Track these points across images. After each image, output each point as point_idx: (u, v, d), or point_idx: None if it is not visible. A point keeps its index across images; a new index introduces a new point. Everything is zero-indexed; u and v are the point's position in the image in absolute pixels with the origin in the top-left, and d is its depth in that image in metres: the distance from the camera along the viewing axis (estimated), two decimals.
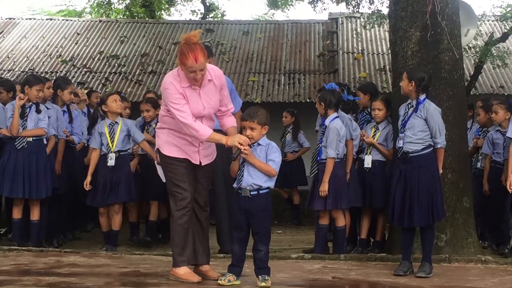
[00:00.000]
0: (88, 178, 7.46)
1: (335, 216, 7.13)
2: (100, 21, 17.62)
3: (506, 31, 12.73)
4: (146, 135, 8.01)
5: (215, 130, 5.41)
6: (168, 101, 5.23)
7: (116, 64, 15.05)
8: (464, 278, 5.91)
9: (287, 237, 9.71)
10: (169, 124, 5.34)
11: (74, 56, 15.36)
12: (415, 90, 6.04)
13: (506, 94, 12.88)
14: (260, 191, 5.18)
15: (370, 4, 12.28)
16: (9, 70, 14.63)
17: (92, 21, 17.85)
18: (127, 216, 8.33)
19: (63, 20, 17.94)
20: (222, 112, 5.49)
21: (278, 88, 14.02)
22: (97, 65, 15.03)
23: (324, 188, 6.93)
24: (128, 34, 16.54)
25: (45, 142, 7.64)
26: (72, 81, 11.69)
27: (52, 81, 8.36)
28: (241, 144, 5.07)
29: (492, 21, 14.90)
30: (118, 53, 15.52)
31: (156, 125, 8.05)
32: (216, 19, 22.06)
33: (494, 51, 11.80)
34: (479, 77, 12.98)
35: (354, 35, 15.51)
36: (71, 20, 17.86)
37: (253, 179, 5.16)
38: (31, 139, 7.48)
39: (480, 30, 13.16)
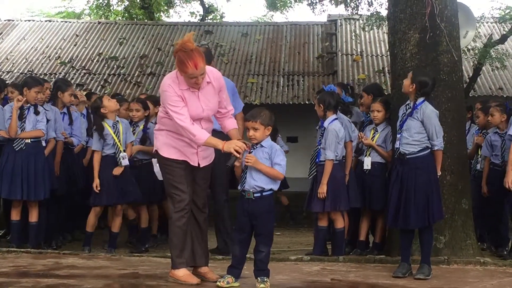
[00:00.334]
0: (97, 181, 7.38)
1: (334, 218, 7.12)
2: (99, 22, 17.63)
3: (505, 33, 12.74)
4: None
5: (215, 131, 5.40)
6: (167, 103, 5.23)
7: (115, 66, 15.06)
8: (463, 280, 5.91)
9: (286, 239, 9.71)
10: (168, 126, 5.34)
11: (73, 58, 15.37)
12: (415, 93, 6.04)
13: (505, 96, 12.88)
14: (264, 193, 5.18)
15: (369, 6, 12.28)
16: (8, 72, 14.65)
17: (91, 22, 17.86)
18: (125, 218, 8.30)
19: (62, 21, 17.96)
20: (222, 114, 5.49)
21: (277, 89, 14.03)
22: (96, 67, 15.04)
23: (323, 190, 6.93)
24: (127, 36, 16.55)
25: (43, 144, 7.64)
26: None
27: (52, 83, 8.36)
28: (237, 152, 5.07)
29: (491, 23, 14.92)
30: (117, 55, 15.53)
31: (143, 126, 8.14)
32: (215, 21, 22.07)
33: (493, 53, 11.81)
34: (478, 79, 12.99)
35: (353, 37, 15.52)
36: (70, 22, 17.87)
37: (256, 182, 5.16)
38: (29, 141, 7.48)
39: (479, 32, 13.17)
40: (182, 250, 5.33)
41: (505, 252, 7.81)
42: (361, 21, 14.35)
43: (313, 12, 15.41)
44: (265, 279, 5.15)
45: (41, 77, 11.71)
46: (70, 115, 8.24)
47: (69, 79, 11.97)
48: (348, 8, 12.79)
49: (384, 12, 11.89)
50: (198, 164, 5.37)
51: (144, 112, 8.23)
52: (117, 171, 7.45)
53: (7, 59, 15.29)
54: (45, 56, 15.49)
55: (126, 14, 22.06)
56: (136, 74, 14.71)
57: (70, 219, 8.63)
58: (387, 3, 7.63)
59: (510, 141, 7.29)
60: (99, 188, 7.37)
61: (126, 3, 21.78)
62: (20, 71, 14.67)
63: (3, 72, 14.53)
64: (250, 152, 5.20)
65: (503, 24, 13.15)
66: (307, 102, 13.26)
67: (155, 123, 8.11)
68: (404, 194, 5.96)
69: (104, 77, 14.57)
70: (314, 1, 12.99)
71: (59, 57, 15.42)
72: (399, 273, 5.94)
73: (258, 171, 5.14)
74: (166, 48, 15.78)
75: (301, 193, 10.01)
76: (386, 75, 13.49)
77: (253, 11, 48.92)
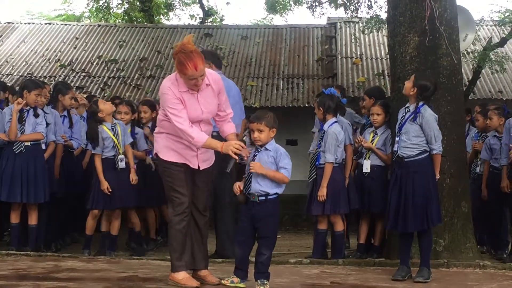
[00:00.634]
0: (104, 184, 7.36)
1: (334, 221, 7.13)
2: (99, 25, 17.64)
3: (504, 36, 12.74)
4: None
5: (214, 133, 5.39)
6: (166, 106, 5.23)
7: (115, 69, 15.07)
8: (463, 283, 5.91)
9: (285, 241, 9.71)
10: (167, 129, 5.33)
11: (73, 61, 15.38)
12: (415, 96, 6.04)
13: (504, 99, 12.89)
14: (268, 197, 5.18)
15: (369, 9, 12.29)
16: (7, 75, 14.65)
17: (91, 25, 17.87)
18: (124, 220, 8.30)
19: (61, 24, 17.96)
20: (221, 117, 5.48)
21: (277, 92, 14.03)
22: (95, 70, 15.05)
23: (323, 193, 6.93)
24: (126, 38, 16.56)
25: (43, 147, 7.64)
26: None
27: (52, 86, 8.36)
28: (235, 154, 5.06)
29: (491, 26, 14.94)
30: (116, 58, 15.54)
31: (130, 130, 8.09)
32: (214, 24, 22.10)
33: (492, 56, 11.81)
34: (478, 82, 12.99)
35: (353, 40, 15.52)
36: (70, 25, 17.87)
37: (261, 187, 5.16)
38: (29, 144, 7.48)
39: (479, 35, 13.18)
40: (182, 253, 5.32)
41: (505, 255, 7.82)
42: (360, 24, 14.35)
43: (312, 15, 15.38)
44: (265, 282, 5.15)
45: (41, 80, 11.70)
46: (71, 118, 8.25)
47: (68, 82, 11.96)
48: (347, 11, 12.80)
49: (383, 15, 11.91)
50: (198, 166, 5.36)
51: (132, 115, 8.14)
52: (133, 178, 7.51)
53: (7, 61, 15.30)
54: (45, 59, 15.49)
55: (126, 17, 22.08)
56: (135, 77, 14.71)
57: (70, 221, 8.63)
58: (386, 6, 7.64)
59: (506, 146, 7.32)
60: (110, 190, 7.36)
61: (126, 6, 21.81)
62: (20, 74, 14.67)
63: (3, 75, 14.53)
64: (254, 156, 5.20)
65: (502, 27, 13.18)
66: (306, 105, 13.26)
67: (151, 127, 8.18)
68: (403, 197, 5.96)
69: (104, 80, 14.57)
70: (314, 4, 13.00)
71: (59, 60, 15.43)
72: (398, 276, 5.93)
73: (263, 176, 5.14)
74: (166, 51, 15.79)
75: (301, 196, 10.01)
76: (385, 78, 13.49)
77: (252, 14, 48.97)
